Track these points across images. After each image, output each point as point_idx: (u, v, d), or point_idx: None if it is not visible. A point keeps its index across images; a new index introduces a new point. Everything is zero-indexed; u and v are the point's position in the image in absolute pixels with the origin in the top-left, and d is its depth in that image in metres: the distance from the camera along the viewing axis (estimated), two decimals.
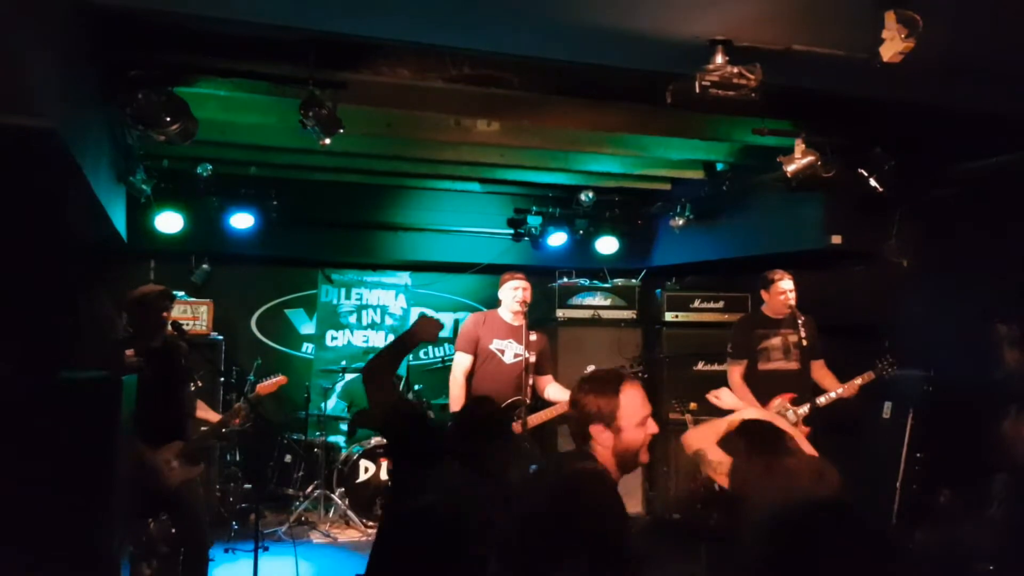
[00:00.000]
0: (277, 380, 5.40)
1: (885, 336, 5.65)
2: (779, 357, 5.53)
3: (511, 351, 5.44)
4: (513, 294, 5.46)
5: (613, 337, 7.45)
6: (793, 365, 5.48)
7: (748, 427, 3.53)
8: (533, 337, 5.44)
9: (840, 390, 5.32)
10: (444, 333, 8.52)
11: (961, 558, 4.92)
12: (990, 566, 4.63)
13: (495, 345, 5.44)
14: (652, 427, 2.58)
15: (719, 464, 3.46)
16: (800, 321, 5.31)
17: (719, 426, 3.66)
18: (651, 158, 6.43)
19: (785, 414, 5.32)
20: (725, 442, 3.55)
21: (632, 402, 2.55)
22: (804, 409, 5.30)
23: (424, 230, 7.87)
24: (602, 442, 2.53)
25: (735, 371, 5.60)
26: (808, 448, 3.56)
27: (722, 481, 3.44)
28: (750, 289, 6.57)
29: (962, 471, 5.23)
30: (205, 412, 5.13)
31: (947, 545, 5.09)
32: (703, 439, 3.59)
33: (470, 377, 5.45)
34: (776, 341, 5.54)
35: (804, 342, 5.31)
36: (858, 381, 5.32)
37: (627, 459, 2.56)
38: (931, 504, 5.39)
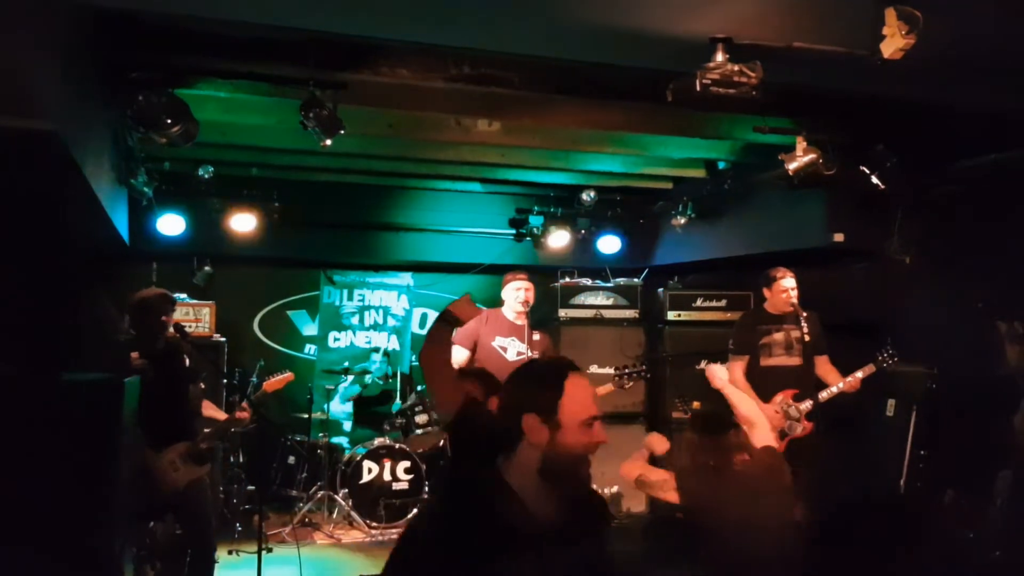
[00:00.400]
0: (285, 377, 5.40)
1: (888, 333, 5.64)
2: (781, 353, 5.52)
3: (514, 349, 5.44)
4: (515, 295, 5.47)
5: (615, 336, 7.46)
6: (795, 361, 5.47)
7: (700, 416, 3.53)
8: (537, 337, 5.45)
9: (841, 384, 5.32)
10: None
11: (966, 555, 4.91)
12: (996, 551, 4.63)
13: (497, 342, 5.45)
14: (599, 434, 2.06)
15: (664, 482, 3.46)
16: (803, 317, 5.31)
17: (644, 454, 3.69)
18: (652, 157, 6.43)
19: (787, 410, 5.32)
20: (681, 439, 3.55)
21: (579, 394, 2.05)
22: (806, 405, 5.30)
23: (426, 231, 7.87)
24: (534, 439, 2.01)
25: (737, 367, 5.59)
26: (769, 441, 3.56)
27: (671, 497, 3.43)
28: (752, 287, 6.56)
29: (966, 468, 5.22)
30: (212, 411, 5.14)
31: (952, 543, 5.08)
32: (637, 466, 3.59)
33: None
34: (778, 337, 5.53)
35: (806, 338, 5.32)
36: (859, 374, 5.32)
37: (557, 468, 2.01)
38: (935, 502, 5.38)
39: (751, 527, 3.02)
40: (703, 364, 7.20)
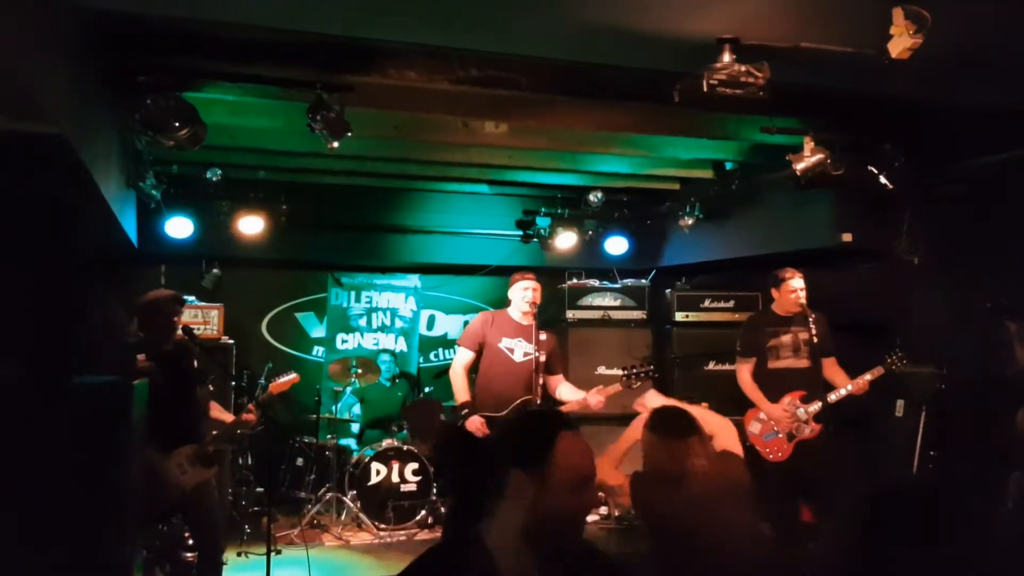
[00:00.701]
0: (290, 379, 5.40)
1: (896, 334, 5.62)
2: (788, 355, 5.49)
3: (521, 350, 5.42)
4: (523, 294, 5.44)
5: (623, 337, 7.45)
6: (803, 363, 5.45)
7: (661, 415, 3.40)
8: (543, 336, 5.42)
9: (850, 387, 5.30)
10: (455, 335, 8.58)
11: (976, 559, 4.88)
12: (1008, 555, 4.59)
13: (504, 343, 5.42)
14: (592, 499, 1.88)
15: (620, 487, 3.39)
16: (811, 319, 5.29)
17: (616, 451, 3.60)
18: (660, 158, 6.42)
19: (795, 412, 5.31)
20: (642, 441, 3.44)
21: (573, 451, 1.83)
22: (815, 407, 5.28)
23: (433, 232, 7.89)
24: (519, 497, 1.80)
25: (744, 369, 5.57)
26: (731, 445, 3.50)
27: (626, 503, 3.37)
28: (760, 288, 6.56)
29: (976, 469, 5.19)
30: (220, 413, 5.14)
31: (962, 545, 5.05)
32: (600, 470, 3.48)
33: (473, 374, 5.45)
34: (786, 339, 5.51)
35: (815, 339, 5.29)
36: (867, 377, 5.29)
37: (542, 531, 1.79)
38: (945, 503, 5.35)
39: (707, 535, 2.97)
40: (711, 365, 7.23)
